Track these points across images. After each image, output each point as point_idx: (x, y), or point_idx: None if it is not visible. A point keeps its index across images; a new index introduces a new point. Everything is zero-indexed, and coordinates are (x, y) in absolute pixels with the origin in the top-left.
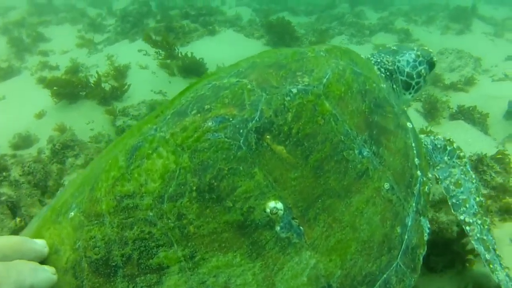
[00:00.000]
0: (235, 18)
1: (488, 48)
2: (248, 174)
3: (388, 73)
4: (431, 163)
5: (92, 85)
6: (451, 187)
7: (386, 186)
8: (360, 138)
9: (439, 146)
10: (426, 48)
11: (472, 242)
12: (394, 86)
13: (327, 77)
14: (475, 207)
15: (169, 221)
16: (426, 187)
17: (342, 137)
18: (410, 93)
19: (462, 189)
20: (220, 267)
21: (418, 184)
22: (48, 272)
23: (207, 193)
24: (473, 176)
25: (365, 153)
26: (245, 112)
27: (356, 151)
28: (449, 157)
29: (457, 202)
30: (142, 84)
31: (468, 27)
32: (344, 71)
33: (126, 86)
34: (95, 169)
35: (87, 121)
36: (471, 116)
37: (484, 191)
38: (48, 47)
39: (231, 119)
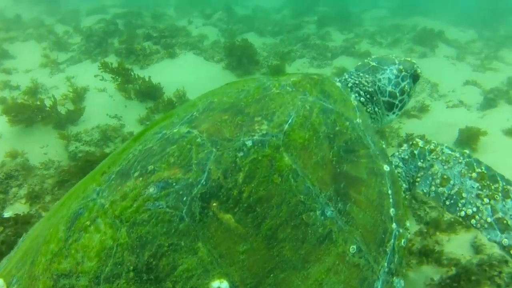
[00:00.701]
0: (197, 41)
1: (449, 72)
2: (191, 250)
3: (368, 96)
4: (411, 181)
5: (48, 109)
6: (439, 190)
7: (352, 249)
8: (324, 195)
9: (407, 157)
10: (409, 59)
11: (483, 234)
12: (376, 109)
13: (289, 121)
14: (476, 184)
15: None
16: (403, 240)
17: (301, 196)
18: (394, 113)
19: (451, 181)
20: None
21: (392, 240)
22: None
23: (145, 273)
24: (457, 154)
25: (328, 213)
26: (190, 175)
27: (318, 212)
28: (421, 160)
29: (452, 201)
30: (99, 108)
31: (432, 50)
32: (311, 111)
33: (81, 110)
34: (43, 230)
35: (41, 145)
36: None
37: (417, 227)
38: (12, 65)
39: (174, 184)
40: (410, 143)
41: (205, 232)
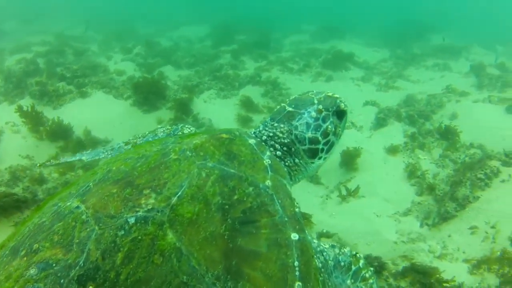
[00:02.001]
0: (110, 79)
1: (352, 94)
2: None
3: (285, 149)
4: (329, 284)
5: None
6: None
7: None
8: (211, 274)
9: (342, 264)
10: (330, 94)
11: None
12: (296, 160)
13: (179, 194)
14: None
15: None
16: None
17: (185, 277)
18: (320, 157)
19: None
20: None
21: None
22: None
23: None
24: None
25: None
26: (70, 256)
27: None
28: (352, 280)
29: None
30: (12, 148)
31: (340, 72)
32: (207, 179)
33: None
34: None
35: None
36: None
37: None
38: None
39: (54, 265)
40: (354, 253)
41: None
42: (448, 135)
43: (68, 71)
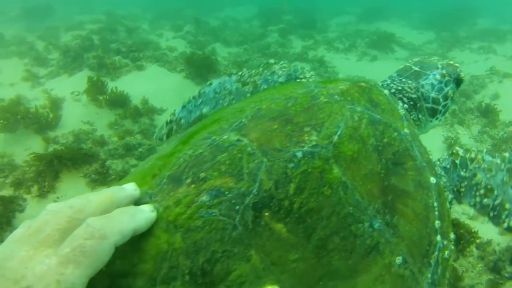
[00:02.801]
0: (163, 54)
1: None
2: (244, 257)
3: (411, 103)
4: (455, 190)
5: (31, 116)
6: (484, 202)
7: (398, 260)
8: (372, 207)
9: (448, 167)
10: (452, 62)
11: None
12: (420, 115)
13: (338, 133)
14: None
15: None
16: (446, 252)
17: (351, 209)
18: (437, 118)
19: (495, 192)
20: None
21: (436, 252)
22: (146, 212)
23: (200, 277)
24: (498, 160)
25: (376, 226)
26: (242, 184)
27: (366, 224)
28: (464, 170)
29: (496, 213)
30: (74, 115)
31: (385, 53)
32: (360, 122)
33: (59, 118)
34: None
35: (24, 148)
36: None
37: None
38: None
39: (226, 192)
40: (450, 152)
41: (257, 240)
42: (488, 113)
43: (123, 46)
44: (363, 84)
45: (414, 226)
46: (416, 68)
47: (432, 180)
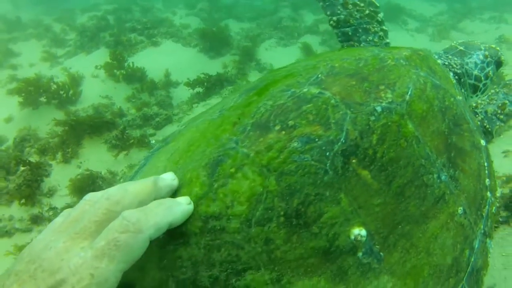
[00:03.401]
0: (177, 30)
1: (405, 43)
2: (334, 200)
3: (456, 77)
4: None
5: (53, 90)
6: None
7: (460, 210)
8: (439, 161)
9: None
10: (493, 46)
11: None
12: (463, 90)
13: (409, 93)
14: None
15: (257, 245)
16: (494, 207)
17: (423, 161)
18: (477, 95)
19: None
20: None
21: (487, 206)
22: (183, 205)
23: (294, 218)
24: None
25: (443, 178)
26: (330, 133)
27: (435, 176)
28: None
29: None
30: (92, 90)
31: (396, 25)
32: (425, 85)
33: (78, 93)
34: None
35: (46, 122)
36: None
37: None
38: (17, 61)
39: (317, 139)
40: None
41: (346, 185)
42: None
43: (138, 24)
44: (421, 52)
45: (470, 182)
46: (461, 48)
47: (483, 142)
